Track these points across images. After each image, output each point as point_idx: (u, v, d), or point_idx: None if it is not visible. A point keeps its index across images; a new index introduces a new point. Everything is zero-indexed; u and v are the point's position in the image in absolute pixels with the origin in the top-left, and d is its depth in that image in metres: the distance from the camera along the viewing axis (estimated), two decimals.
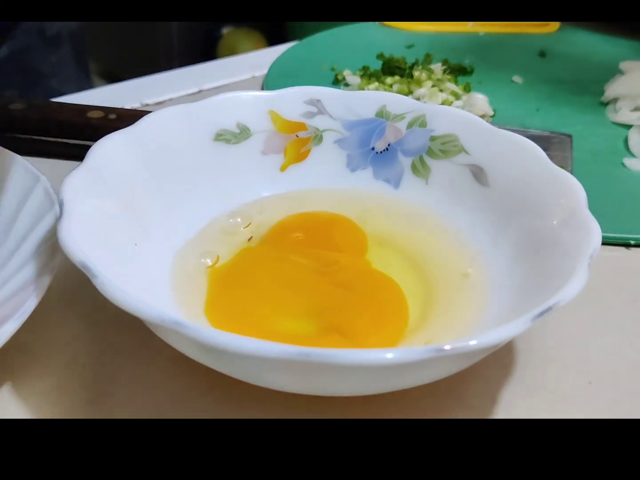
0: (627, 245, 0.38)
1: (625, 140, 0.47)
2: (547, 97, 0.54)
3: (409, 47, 0.61)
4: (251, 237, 0.33)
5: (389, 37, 0.63)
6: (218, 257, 0.32)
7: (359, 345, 0.27)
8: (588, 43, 0.64)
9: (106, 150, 0.31)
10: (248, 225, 0.34)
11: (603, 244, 0.36)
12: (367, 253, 0.33)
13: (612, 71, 0.57)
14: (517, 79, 0.57)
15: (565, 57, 0.55)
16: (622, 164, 0.45)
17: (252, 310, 0.29)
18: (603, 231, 0.27)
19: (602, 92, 0.54)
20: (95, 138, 0.31)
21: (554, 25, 0.67)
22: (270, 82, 0.54)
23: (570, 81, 0.56)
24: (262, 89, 0.54)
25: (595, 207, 0.29)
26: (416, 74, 0.52)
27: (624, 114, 0.50)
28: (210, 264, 0.31)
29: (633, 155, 0.46)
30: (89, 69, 0.78)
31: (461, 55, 0.60)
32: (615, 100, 0.52)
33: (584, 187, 0.30)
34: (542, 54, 0.61)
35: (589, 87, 0.55)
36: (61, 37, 0.68)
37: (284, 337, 0.28)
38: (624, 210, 0.40)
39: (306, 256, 0.32)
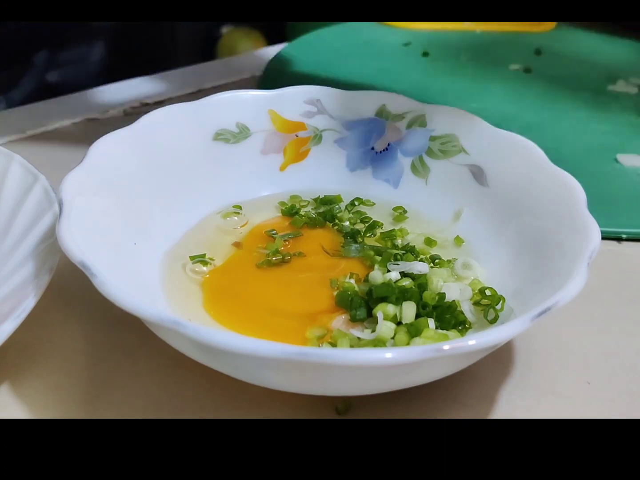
0: (619, 239, 0.38)
1: None
2: (542, 94, 0.54)
3: (406, 45, 0.61)
4: (239, 242, 0.33)
5: (386, 35, 0.63)
6: (213, 258, 0.32)
7: None
8: (583, 41, 0.65)
9: (105, 149, 0.31)
10: (245, 224, 0.34)
11: None
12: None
13: (607, 69, 0.57)
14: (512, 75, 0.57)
15: (561, 55, 0.56)
16: (615, 159, 0.45)
17: (270, 310, 0.29)
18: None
19: (596, 89, 0.54)
20: None
21: (549, 25, 0.67)
22: (266, 81, 0.54)
23: (564, 78, 0.56)
24: (259, 88, 0.54)
25: (588, 201, 0.29)
26: None
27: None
28: (207, 263, 0.31)
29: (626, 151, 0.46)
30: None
31: (457, 53, 0.60)
32: None
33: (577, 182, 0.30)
34: (538, 52, 0.61)
35: (583, 84, 0.55)
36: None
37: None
38: (617, 204, 0.40)
39: (307, 265, 0.32)
